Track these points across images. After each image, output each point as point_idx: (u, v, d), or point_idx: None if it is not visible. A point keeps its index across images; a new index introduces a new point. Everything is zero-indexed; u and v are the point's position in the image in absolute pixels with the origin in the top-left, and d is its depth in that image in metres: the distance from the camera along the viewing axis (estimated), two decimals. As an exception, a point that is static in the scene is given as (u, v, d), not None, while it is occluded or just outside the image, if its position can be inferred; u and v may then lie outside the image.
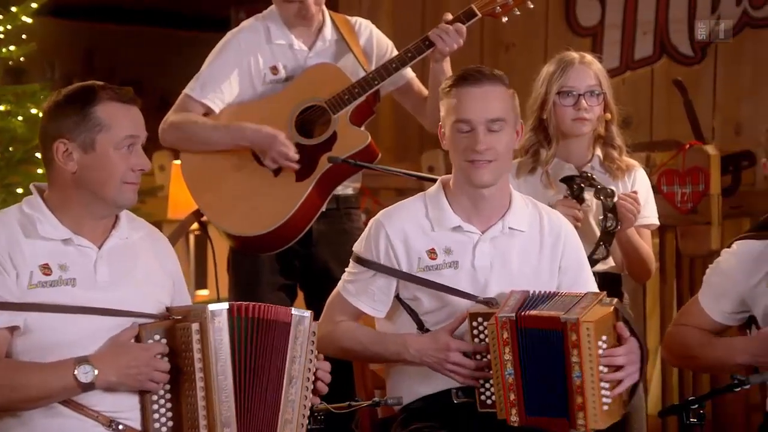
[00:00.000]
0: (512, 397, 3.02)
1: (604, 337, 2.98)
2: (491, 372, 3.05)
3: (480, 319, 3.10)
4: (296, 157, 3.85)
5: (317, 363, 2.99)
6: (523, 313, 3.01)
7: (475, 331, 3.11)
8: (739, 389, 3.10)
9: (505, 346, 3.01)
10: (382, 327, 3.30)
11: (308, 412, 2.97)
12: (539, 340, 3.01)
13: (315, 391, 2.99)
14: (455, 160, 3.21)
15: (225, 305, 2.91)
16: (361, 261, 3.24)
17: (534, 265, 3.22)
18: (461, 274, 3.19)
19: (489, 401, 3.10)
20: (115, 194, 2.94)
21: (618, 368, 3.01)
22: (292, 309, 2.97)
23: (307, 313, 2.97)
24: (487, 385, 3.10)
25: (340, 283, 3.30)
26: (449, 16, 3.91)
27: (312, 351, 2.96)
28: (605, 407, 2.98)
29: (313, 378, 2.97)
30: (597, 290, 3.25)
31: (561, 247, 3.25)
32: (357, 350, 3.25)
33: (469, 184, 3.20)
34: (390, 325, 3.27)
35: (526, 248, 3.23)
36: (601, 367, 2.97)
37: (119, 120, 2.93)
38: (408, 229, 3.22)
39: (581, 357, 2.95)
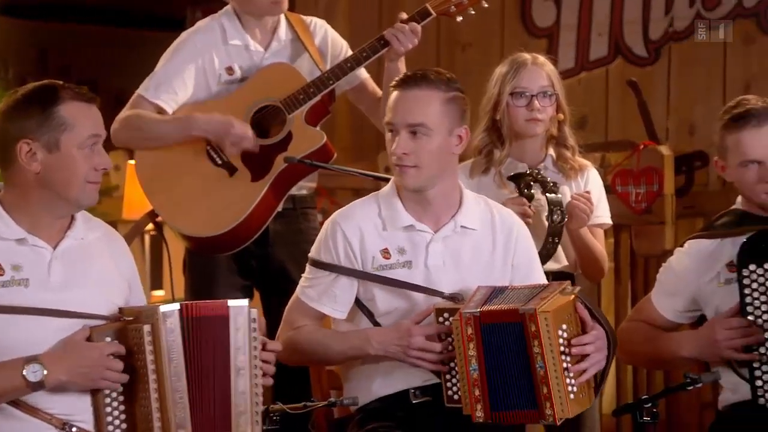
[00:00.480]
0: (477, 392, 3.04)
1: (564, 326, 3.01)
2: (456, 362, 3.07)
3: (446, 315, 3.12)
4: (253, 136, 3.81)
5: (269, 348, 2.99)
6: (487, 309, 3.03)
7: (442, 327, 3.12)
8: (691, 388, 3.14)
9: (470, 341, 3.03)
10: (341, 329, 3.28)
11: (261, 400, 2.96)
12: (501, 333, 3.03)
13: (263, 374, 2.98)
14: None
15: (176, 306, 2.91)
16: (320, 265, 3.23)
17: (486, 262, 3.24)
18: (415, 274, 3.20)
19: (456, 396, 3.11)
20: (79, 194, 2.94)
21: (584, 356, 3.03)
22: (228, 301, 2.96)
23: (245, 302, 2.96)
24: (454, 380, 3.11)
25: (298, 289, 3.29)
26: (404, 16, 3.92)
27: (255, 338, 2.95)
28: (572, 396, 3.01)
29: (261, 365, 2.96)
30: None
31: (513, 244, 3.27)
32: (320, 352, 3.24)
33: (402, 186, 3.22)
34: (349, 327, 3.26)
35: (478, 246, 3.25)
36: (563, 356, 2.99)
37: (82, 119, 2.93)
38: (363, 227, 3.23)
39: (542, 347, 2.97)
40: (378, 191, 3.31)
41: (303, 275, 3.29)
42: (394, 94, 3.22)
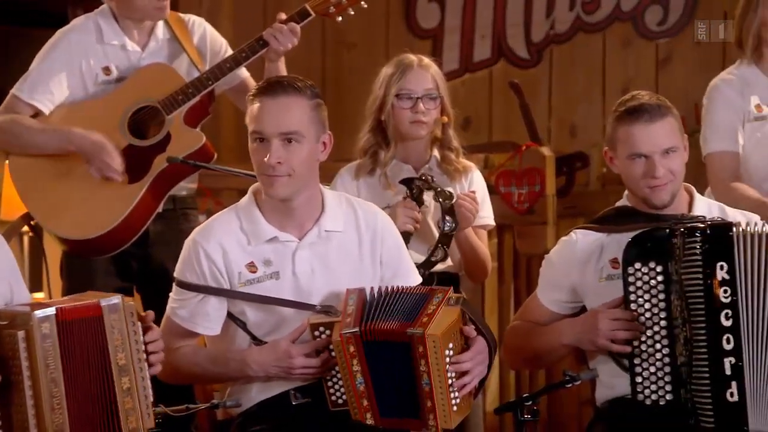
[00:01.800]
0: (365, 403, 3.06)
1: (450, 345, 3.02)
2: (340, 374, 3.08)
3: (322, 328, 3.11)
4: (121, 168, 3.78)
5: (149, 339, 2.96)
6: (367, 327, 3.04)
7: (318, 341, 3.12)
8: (570, 385, 3.20)
9: (353, 358, 3.04)
10: (216, 344, 3.26)
11: (150, 394, 2.93)
12: (387, 350, 3.04)
13: (151, 364, 2.96)
14: (255, 171, 3.19)
15: (52, 310, 2.85)
16: (186, 286, 3.20)
17: (355, 263, 3.23)
18: (283, 284, 3.18)
19: (340, 401, 3.12)
20: None
21: (466, 372, 3.06)
22: (100, 300, 2.92)
23: (117, 299, 2.92)
24: (337, 386, 3.12)
25: (168, 309, 3.25)
26: (283, 16, 3.91)
27: (135, 332, 2.92)
28: (455, 408, 3.04)
29: (145, 358, 2.93)
30: (419, 279, 3.29)
31: (379, 240, 3.26)
32: (199, 374, 3.22)
33: (269, 196, 3.18)
34: (223, 342, 3.24)
35: (345, 248, 3.23)
36: (448, 374, 3.02)
37: None
38: (225, 243, 3.19)
39: (428, 366, 2.99)
40: (236, 203, 3.27)
41: (171, 295, 3.25)
42: (260, 102, 3.16)
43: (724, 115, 3.96)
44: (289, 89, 3.15)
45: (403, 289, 3.14)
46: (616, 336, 3.18)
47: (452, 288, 3.14)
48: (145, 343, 2.96)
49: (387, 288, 3.13)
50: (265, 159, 3.13)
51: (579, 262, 3.32)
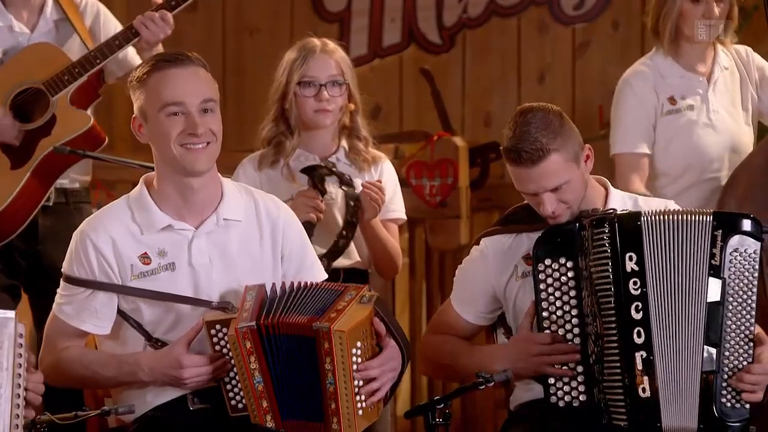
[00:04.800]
0: (265, 404, 3.04)
1: (358, 344, 3.02)
2: (237, 375, 3.06)
3: (218, 326, 3.09)
4: (12, 122, 3.71)
5: (30, 375, 2.89)
6: (269, 321, 3.02)
7: (215, 339, 3.10)
8: (483, 387, 3.21)
9: (250, 355, 3.02)
10: (107, 346, 3.22)
11: (21, 425, 2.87)
12: (290, 346, 3.02)
13: (27, 403, 2.89)
14: (165, 149, 3.13)
15: None
16: (73, 281, 3.15)
17: (256, 255, 3.21)
18: (180, 275, 3.15)
19: (240, 405, 3.10)
20: None
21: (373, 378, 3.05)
22: None
23: (11, 314, 2.86)
24: (236, 389, 3.10)
25: (55, 306, 3.20)
26: (157, 1, 3.88)
27: (21, 355, 2.85)
28: (360, 412, 3.04)
29: (24, 386, 2.87)
30: (324, 275, 3.28)
31: (280, 234, 3.23)
32: (89, 377, 3.17)
33: (182, 174, 3.14)
34: (115, 344, 3.21)
35: (245, 238, 3.21)
36: (355, 374, 3.01)
37: None
38: (115, 235, 3.15)
39: (334, 365, 2.98)
40: (128, 194, 3.23)
41: (58, 291, 3.21)
42: (167, 73, 3.12)
43: (633, 114, 4.00)
44: (195, 60, 3.17)
45: (311, 284, 3.12)
46: (554, 360, 3.19)
47: (367, 286, 3.13)
48: (26, 388, 2.89)
49: (293, 283, 3.11)
50: (197, 130, 3.09)
51: (494, 269, 3.34)
